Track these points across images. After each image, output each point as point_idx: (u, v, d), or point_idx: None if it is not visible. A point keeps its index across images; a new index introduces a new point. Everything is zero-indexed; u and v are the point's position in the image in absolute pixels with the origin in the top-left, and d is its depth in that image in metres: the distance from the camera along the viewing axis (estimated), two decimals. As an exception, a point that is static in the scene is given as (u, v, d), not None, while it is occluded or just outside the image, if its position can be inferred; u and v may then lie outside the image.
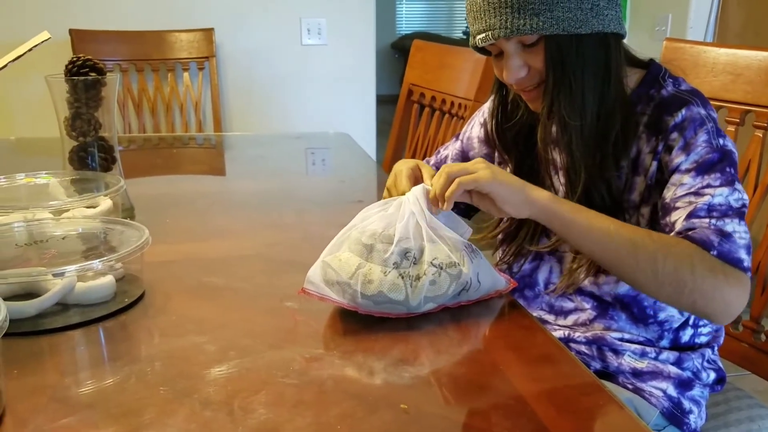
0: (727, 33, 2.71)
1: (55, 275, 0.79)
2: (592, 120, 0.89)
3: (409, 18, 7.93)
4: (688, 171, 0.86)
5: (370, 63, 2.86)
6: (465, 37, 7.58)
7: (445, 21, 8.05)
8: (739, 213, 0.84)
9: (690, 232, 0.82)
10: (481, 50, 0.96)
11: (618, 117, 0.90)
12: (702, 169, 0.85)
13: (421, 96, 1.83)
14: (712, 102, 1.18)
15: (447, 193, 0.81)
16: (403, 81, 1.90)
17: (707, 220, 0.82)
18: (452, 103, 1.66)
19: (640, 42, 3.02)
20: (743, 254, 0.81)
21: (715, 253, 0.80)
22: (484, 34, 0.89)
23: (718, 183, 0.84)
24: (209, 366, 0.69)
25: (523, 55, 0.89)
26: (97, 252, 0.87)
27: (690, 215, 0.83)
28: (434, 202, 0.83)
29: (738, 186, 0.86)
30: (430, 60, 1.84)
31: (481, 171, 0.82)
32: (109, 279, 0.84)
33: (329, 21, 2.76)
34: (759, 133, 1.13)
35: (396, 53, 7.34)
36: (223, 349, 0.73)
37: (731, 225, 0.82)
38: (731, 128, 1.17)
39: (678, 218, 0.85)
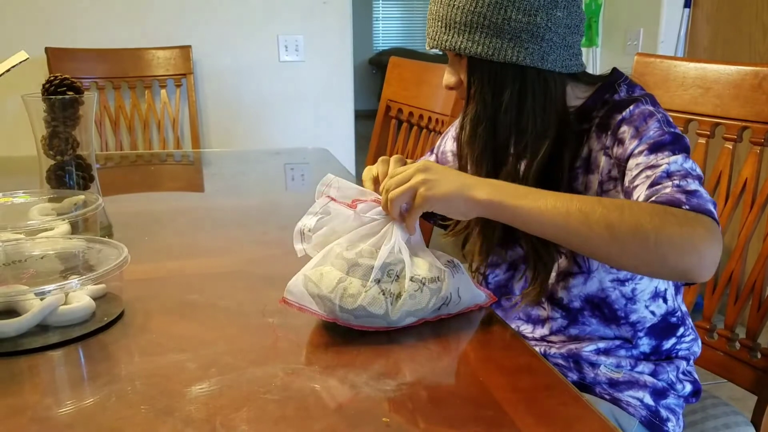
0: (697, 47, 2.77)
1: (37, 294, 0.78)
2: (500, 137, 0.92)
3: (386, 34, 7.99)
4: (641, 152, 0.86)
5: (348, 79, 2.87)
6: (440, 53, 7.64)
7: (421, 37, 8.12)
8: (698, 177, 0.83)
9: (654, 197, 0.81)
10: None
11: (531, 144, 0.91)
12: (654, 147, 0.85)
13: (399, 111, 1.85)
14: (682, 115, 1.22)
15: (407, 227, 0.84)
16: (381, 97, 1.92)
17: (669, 182, 0.81)
18: (429, 119, 1.68)
19: (612, 56, 3.07)
20: (712, 207, 0.79)
21: (687, 207, 0.77)
22: (426, 41, 0.98)
23: (671, 155, 0.84)
24: (190, 384, 0.69)
25: (456, 66, 0.97)
26: (75, 271, 0.86)
27: (651, 185, 0.82)
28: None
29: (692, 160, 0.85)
30: (407, 76, 1.86)
31: (419, 193, 0.82)
32: (87, 299, 0.83)
33: (306, 38, 2.78)
34: (728, 145, 1.16)
35: (373, 69, 7.38)
36: (204, 366, 0.73)
37: (693, 185, 0.81)
38: (702, 141, 1.20)
39: (639, 194, 0.84)
